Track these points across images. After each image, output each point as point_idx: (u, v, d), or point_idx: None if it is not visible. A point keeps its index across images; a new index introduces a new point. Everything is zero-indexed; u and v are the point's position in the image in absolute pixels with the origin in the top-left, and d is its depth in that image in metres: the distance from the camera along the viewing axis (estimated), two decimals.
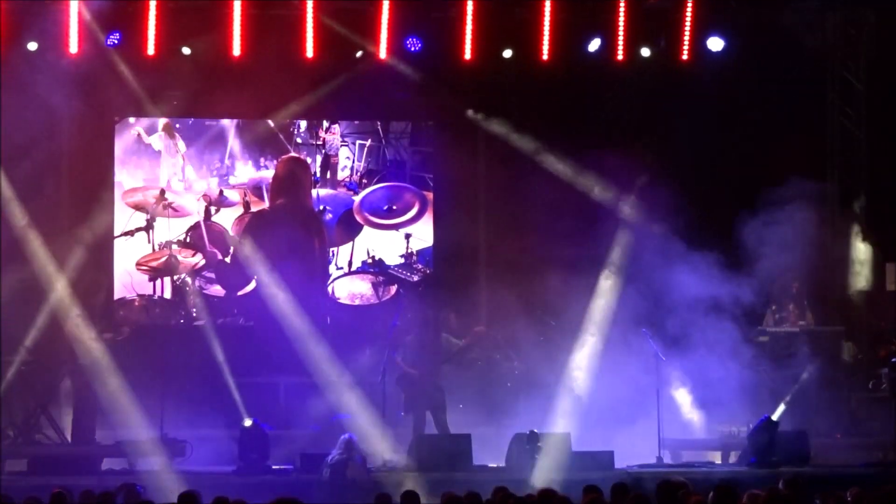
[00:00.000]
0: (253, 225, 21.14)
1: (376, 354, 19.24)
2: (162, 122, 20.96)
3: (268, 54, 19.68)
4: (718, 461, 18.56)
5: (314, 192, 21.39)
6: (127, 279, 20.91)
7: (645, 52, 20.36)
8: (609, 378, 18.97)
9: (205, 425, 18.69)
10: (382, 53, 19.91)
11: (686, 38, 20.35)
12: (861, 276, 21.24)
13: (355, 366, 19.83)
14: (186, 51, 19.62)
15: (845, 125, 21.50)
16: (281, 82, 19.97)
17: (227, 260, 21.19)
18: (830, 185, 21.32)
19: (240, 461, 17.43)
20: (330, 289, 21.38)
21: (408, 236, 21.57)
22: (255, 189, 21.37)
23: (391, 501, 12.31)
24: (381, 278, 21.51)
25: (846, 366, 20.27)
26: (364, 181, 21.62)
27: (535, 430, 16.96)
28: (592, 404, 18.76)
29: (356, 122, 21.68)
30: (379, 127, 21.65)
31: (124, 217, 20.95)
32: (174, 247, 20.97)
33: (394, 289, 21.48)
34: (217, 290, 21.20)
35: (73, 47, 19.16)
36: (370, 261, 21.52)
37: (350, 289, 21.54)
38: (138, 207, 20.98)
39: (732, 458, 18.46)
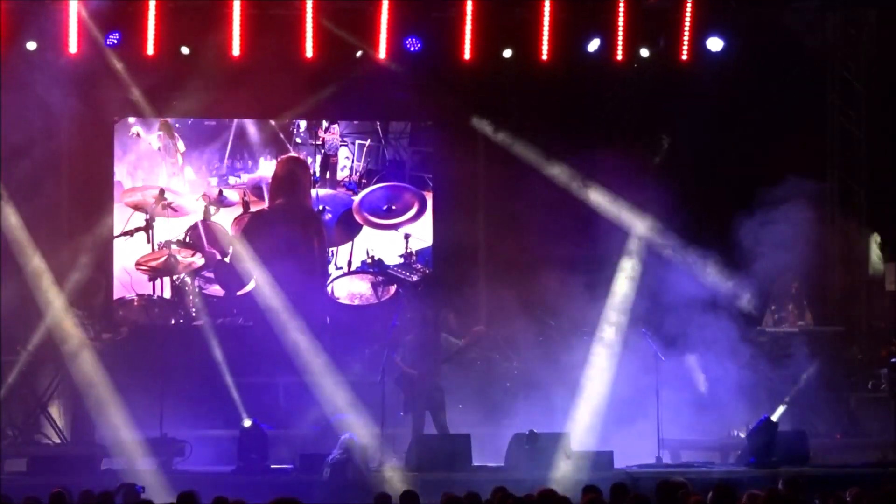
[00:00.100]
0: (252, 225, 21.14)
1: (375, 354, 19.24)
2: (161, 121, 20.94)
3: (267, 54, 19.67)
4: (718, 461, 18.54)
5: (313, 192, 21.39)
6: (126, 279, 20.90)
7: (644, 52, 20.36)
8: (608, 377, 18.96)
9: (204, 425, 18.68)
10: (382, 53, 19.91)
11: (686, 38, 20.35)
12: (860, 277, 21.23)
13: (354, 366, 19.83)
14: (185, 51, 19.61)
15: (845, 125, 21.50)
16: (280, 82, 19.95)
17: (227, 260, 21.18)
18: (830, 185, 21.32)
19: (239, 461, 17.43)
20: (329, 289, 21.38)
21: (407, 236, 21.57)
22: (255, 189, 21.36)
23: (390, 501, 12.31)
24: (380, 278, 21.51)
25: (846, 366, 20.26)
26: (363, 181, 21.62)
27: (535, 430, 16.94)
28: (591, 405, 18.75)
29: (355, 122, 21.68)
30: (378, 127, 21.65)
31: (124, 217, 20.94)
32: (173, 247, 20.96)
33: (393, 289, 21.48)
34: (216, 289, 21.20)
35: (73, 47, 19.15)
36: (369, 261, 21.51)
37: (349, 289, 21.54)
38: (137, 207, 20.97)
39: (732, 459, 18.45)
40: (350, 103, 21.12)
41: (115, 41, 19.40)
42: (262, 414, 18.30)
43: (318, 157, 21.51)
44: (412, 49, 19.93)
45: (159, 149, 21.07)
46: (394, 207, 21.62)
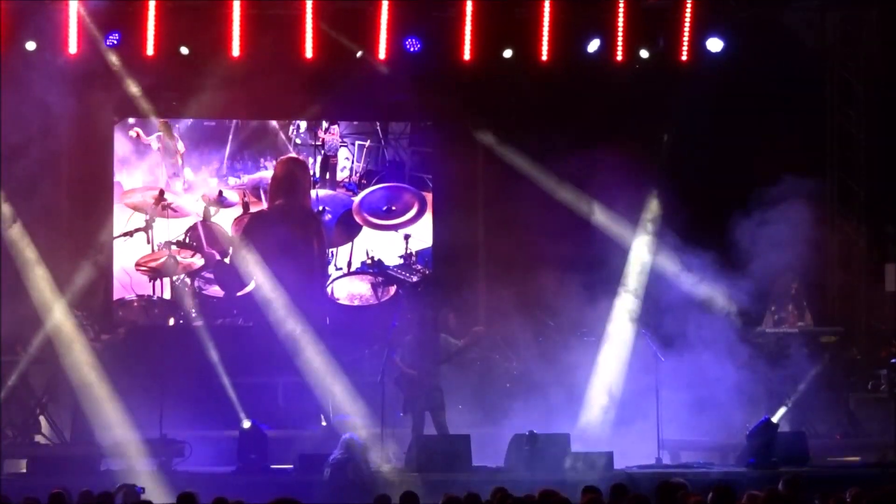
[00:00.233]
0: (252, 225, 21.14)
1: (375, 355, 19.23)
2: (161, 122, 20.93)
3: (267, 55, 19.67)
4: (717, 462, 18.53)
5: (313, 193, 21.39)
6: (126, 280, 20.90)
7: (644, 53, 20.35)
8: (608, 378, 18.96)
9: (204, 426, 18.67)
10: (382, 54, 19.91)
11: (685, 38, 20.35)
12: (860, 277, 21.23)
13: (354, 366, 19.83)
14: (185, 51, 19.61)
15: (844, 125, 21.50)
16: (280, 83, 19.94)
17: (226, 261, 21.18)
18: (829, 185, 21.32)
19: (239, 462, 17.42)
20: (329, 289, 21.38)
21: (407, 237, 21.57)
22: (255, 190, 21.36)
23: (390, 502, 12.31)
24: (380, 279, 21.51)
25: (845, 367, 20.25)
26: (363, 182, 21.62)
27: (534, 431, 16.94)
28: (591, 405, 18.75)
29: (355, 123, 21.68)
30: (378, 127, 21.65)
31: (123, 218, 20.94)
32: (173, 247, 20.96)
33: (393, 289, 21.48)
34: (216, 290, 21.20)
35: (73, 48, 19.15)
36: (369, 261, 21.51)
37: (349, 289, 21.54)
38: (137, 208, 20.97)
39: (731, 459, 18.44)
40: (350, 104, 21.13)
41: (115, 42, 19.39)
42: (261, 414, 18.29)
43: (318, 158, 21.51)
44: (412, 49, 19.93)
45: (159, 149, 21.07)
46: (393, 208, 21.62)
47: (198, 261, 21.08)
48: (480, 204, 21.46)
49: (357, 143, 21.63)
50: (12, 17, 18.89)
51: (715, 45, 20.35)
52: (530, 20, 20.07)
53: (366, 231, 21.60)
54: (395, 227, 21.60)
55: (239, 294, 21.14)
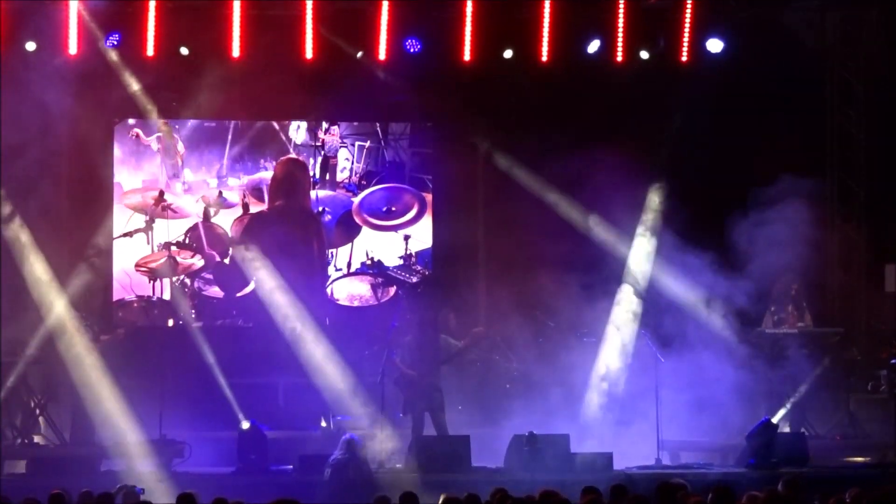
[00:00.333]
0: (252, 226, 21.13)
1: (375, 355, 19.22)
2: (161, 123, 20.93)
3: (267, 55, 19.67)
4: (717, 463, 18.52)
5: (313, 194, 21.39)
6: (126, 280, 20.90)
7: (644, 54, 20.34)
8: (608, 379, 18.95)
9: (204, 426, 18.67)
10: (382, 55, 19.91)
11: (685, 38, 20.34)
12: (860, 278, 21.22)
13: (354, 367, 19.83)
14: (185, 51, 19.60)
15: (844, 125, 21.49)
16: (280, 83, 19.94)
17: (226, 261, 21.18)
18: (829, 186, 21.31)
19: (239, 462, 17.42)
20: (329, 290, 21.38)
21: (407, 238, 21.56)
22: (255, 190, 21.36)
23: (390, 502, 12.31)
24: (379, 279, 21.51)
25: (845, 367, 20.25)
26: (363, 182, 21.62)
27: (534, 432, 16.93)
28: (591, 406, 18.74)
29: (355, 124, 21.67)
30: (378, 128, 21.65)
31: (123, 218, 20.94)
32: (173, 248, 20.96)
33: (393, 290, 21.47)
34: (216, 291, 21.20)
35: (73, 48, 19.15)
36: (369, 262, 21.51)
37: (349, 290, 21.53)
38: (137, 209, 20.97)
39: (731, 460, 18.43)
40: (350, 104, 21.12)
41: (115, 42, 19.39)
42: (261, 415, 18.28)
43: (318, 159, 21.50)
44: (412, 50, 19.93)
45: (159, 150, 21.07)
46: (393, 209, 21.62)
47: (198, 261, 21.08)
48: (480, 204, 21.46)
49: (357, 143, 21.63)
50: (12, 17, 18.89)
51: (715, 45, 20.35)
52: (530, 21, 20.07)
53: (366, 232, 21.60)
54: (394, 228, 21.60)
55: (238, 295, 21.13)
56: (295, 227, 21.08)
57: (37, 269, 19.52)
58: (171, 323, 20.81)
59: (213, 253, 21.10)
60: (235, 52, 19.48)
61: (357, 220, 21.56)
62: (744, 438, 18.04)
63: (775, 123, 20.59)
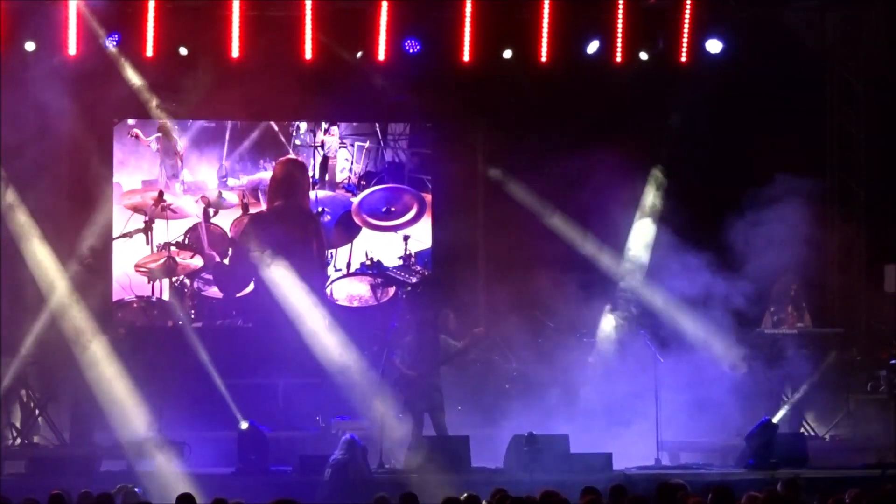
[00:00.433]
0: (251, 227, 21.12)
1: (375, 356, 19.22)
2: (160, 123, 20.93)
3: (266, 56, 19.66)
4: (717, 463, 18.52)
5: (312, 194, 21.38)
6: (125, 281, 20.89)
7: (644, 55, 20.33)
8: (607, 379, 18.95)
9: (203, 427, 18.66)
10: (381, 55, 19.90)
11: (685, 39, 20.34)
12: (860, 278, 21.21)
13: (353, 367, 19.82)
14: (184, 52, 19.60)
15: (844, 125, 21.48)
16: (279, 84, 19.93)
17: (226, 262, 21.18)
18: (829, 186, 21.30)
19: (239, 462, 17.41)
20: (328, 290, 21.37)
21: (406, 238, 21.56)
22: (254, 191, 21.35)
23: (390, 503, 12.31)
24: (379, 280, 21.50)
25: (845, 368, 20.24)
26: (362, 183, 21.62)
27: (533, 432, 16.93)
28: (591, 406, 18.74)
29: (354, 124, 21.66)
30: (377, 129, 21.64)
31: (123, 219, 20.94)
32: (172, 248, 20.95)
33: (392, 290, 21.47)
34: (215, 291, 21.20)
35: (72, 48, 19.14)
36: (368, 262, 21.50)
37: (348, 290, 21.53)
38: (137, 209, 20.97)
39: (731, 461, 18.43)
40: (349, 105, 21.11)
41: (115, 43, 19.38)
42: (261, 415, 18.28)
43: (318, 159, 21.50)
44: (411, 50, 19.92)
45: (158, 150, 21.06)
46: (393, 209, 21.62)
47: (197, 262, 21.07)
48: (480, 205, 21.45)
49: (356, 144, 21.63)
50: (12, 17, 18.88)
51: (714, 46, 20.34)
52: (530, 21, 20.06)
53: (365, 232, 21.59)
54: (394, 229, 21.60)
55: (238, 295, 21.13)
56: (294, 228, 21.07)
57: (37, 268, 19.53)
58: (170, 323, 20.80)
59: (213, 253, 21.10)
60: (235, 52, 19.48)
61: (356, 220, 21.56)
62: (743, 439, 18.05)
63: (775, 123, 20.58)
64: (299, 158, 21.39)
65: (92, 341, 19.10)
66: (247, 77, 19.91)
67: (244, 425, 17.59)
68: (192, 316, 20.79)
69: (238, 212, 21.31)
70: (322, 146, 21.50)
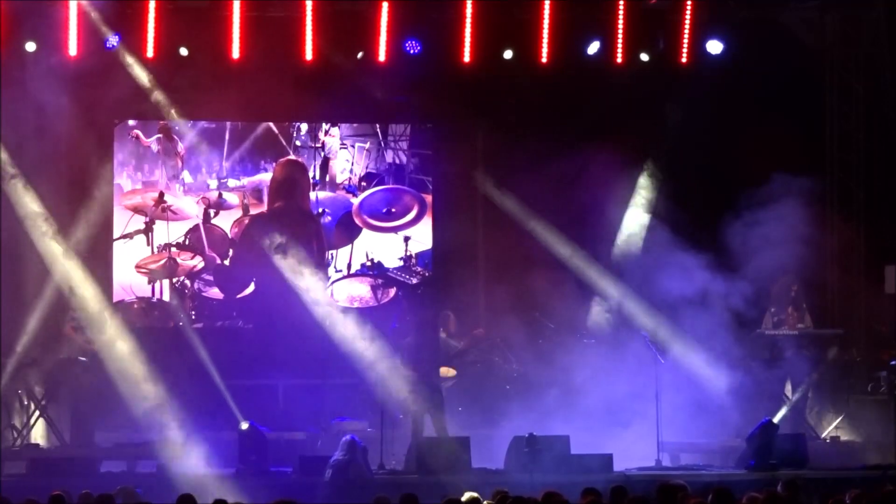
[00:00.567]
0: (251, 227, 21.12)
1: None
2: (161, 124, 20.94)
3: (267, 56, 19.67)
4: (717, 464, 18.52)
5: (313, 195, 21.38)
6: (126, 282, 20.89)
7: (644, 56, 20.33)
8: (607, 380, 18.95)
9: (204, 427, 18.65)
10: (382, 56, 19.90)
11: (685, 40, 20.34)
12: (860, 279, 21.21)
13: (354, 368, 19.82)
14: (184, 52, 19.60)
15: (844, 126, 21.48)
16: (280, 84, 19.93)
17: (226, 262, 21.18)
18: (829, 186, 21.30)
19: (239, 463, 17.40)
20: (329, 291, 21.37)
21: (407, 239, 21.57)
22: (255, 192, 21.36)
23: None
24: (379, 281, 21.50)
25: (845, 368, 20.25)
26: (363, 184, 21.63)
27: (534, 433, 16.93)
28: (590, 406, 18.74)
29: (355, 125, 21.66)
30: (378, 130, 21.65)
31: (123, 220, 20.94)
32: (173, 249, 20.96)
33: (393, 291, 21.47)
34: (216, 292, 21.20)
35: (73, 49, 19.14)
36: (369, 263, 21.50)
37: (349, 291, 21.53)
38: (137, 210, 20.98)
39: (731, 461, 18.43)
40: (350, 106, 21.12)
41: (115, 44, 19.38)
42: (261, 416, 18.28)
43: (318, 160, 21.51)
44: (412, 51, 19.93)
45: (159, 152, 21.07)
46: (393, 210, 21.62)
47: (198, 263, 21.08)
48: (480, 206, 21.44)
49: (357, 145, 21.63)
50: (12, 17, 18.88)
51: (714, 46, 20.35)
52: (530, 22, 20.07)
53: (365, 233, 21.60)
54: (394, 230, 21.60)
55: (238, 296, 21.13)
56: (294, 229, 21.05)
57: (36, 268, 19.55)
58: (171, 324, 20.79)
59: (213, 254, 21.11)
60: (235, 53, 19.48)
61: (357, 221, 21.56)
62: (744, 440, 18.05)
63: (775, 124, 20.55)
64: (299, 159, 21.40)
65: (91, 342, 19.11)
66: (247, 78, 19.90)
67: (244, 426, 17.59)
68: (193, 317, 20.79)
69: (238, 213, 21.32)
70: (323, 147, 21.51)
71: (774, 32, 20.67)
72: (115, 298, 20.78)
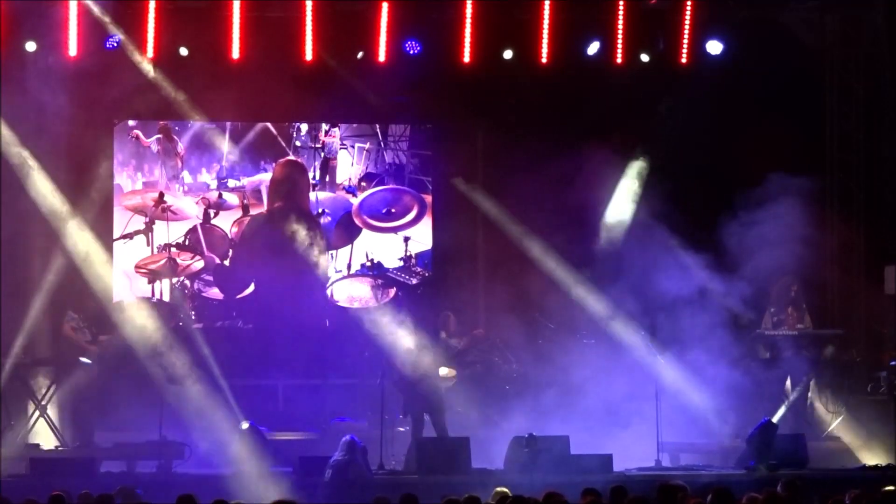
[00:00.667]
0: (251, 228, 21.13)
1: (375, 357, 19.22)
2: (161, 125, 20.94)
3: (267, 57, 19.67)
4: (717, 464, 18.52)
5: (313, 195, 21.38)
6: (126, 282, 20.89)
7: (644, 56, 20.33)
8: (607, 380, 18.95)
9: (204, 428, 18.65)
10: (382, 56, 19.90)
11: (685, 40, 20.34)
12: (859, 279, 21.22)
13: (353, 369, 19.83)
14: (184, 52, 19.60)
15: (844, 126, 21.48)
16: (280, 85, 19.94)
17: (226, 263, 21.18)
18: (828, 186, 21.30)
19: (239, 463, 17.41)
20: (329, 291, 21.37)
21: (406, 239, 21.57)
22: (255, 192, 21.36)
23: None
24: (379, 281, 21.50)
25: (844, 369, 20.25)
26: (363, 184, 21.63)
27: (534, 434, 16.93)
28: (590, 407, 18.74)
29: (355, 126, 21.66)
30: (378, 130, 21.65)
31: (123, 220, 20.94)
32: (173, 250, 20.96)
33: (393, 291, 21.47)
34: (215, 292, 21.20)
35: (73, 49, 19.14)
36: (368, 264, 21.51)
37: (349, 291, 21.53)
38: (137, 210, 20.98)
39: (731, 462, 18.43)
40: (350, 106, 21.11)
41: (115, 44, 19.39)
42: (261, 416, 18.28)
43: (318, 160, 21.51)
44: (412, 52, 19.93)
45: (158, 152, 21.07)
46: (393, 210, 21.62)
47: (197, 263, 21.08)
48: (480, 206, 21.43)
49: (357, 145, 21.63)
50: (12, 17, 18.88)
51: (715, 47, 20.35)
52: (530, 22, 20.07)
53: (365, 233, 21.60)
54: (394, 230, 21.60)
55: (238, 296, 21.13)
56: (294, 229, 21.04)
57: (36, 268, 19.57)
58: (170, 324, 20.77)
59: (213, 255, 21.11)
60: (235, 53, 19.48)
61: (357, 221, 21.57)
62: (743, 440, 18.05)
63: (775, 124, 20.56)
64: (299, 160, 21.40)
65: (90, 343, 19.11)
66: (247, 78, 19.90)
67: (245, 425, 17.59)
68: (193, 317, 20.78)
69: (238, 213, 21.33)
70: (323, 147, 21.51)
71: (774, 32, 20.67)
72: (116, 298, 20.78)
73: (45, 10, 19.13)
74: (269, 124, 21.34)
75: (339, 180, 21.59)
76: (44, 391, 19.09)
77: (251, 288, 21.02)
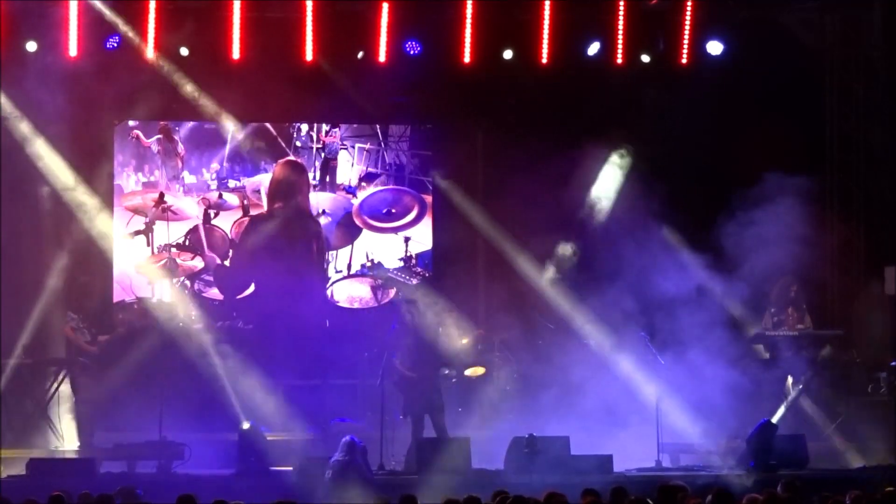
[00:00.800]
0: (251, 228, 21.14)
1: (375, 357, 19.21)
2: (161, 125, 20.94)
3: (267, 57, 19.68)
4: (717, 465, 18.52)
5: (313, 196, 21.39)
6: (126, 282, 20.90)
7: (645, 57, 20.33)
8: (606, 381, 18.95)
9: (204, 428, 18.66)
10: (382, 56, 19.90)
11: (685, 40, 20.35)
12: (859, 280, 21.21)
13: (354, 369, 19.83)
14: (184, 52, 19.60)
15: (844, 126, 21.49)
16: (280, 85, 19.95)
17: (226, 263, 21.19)
18: (828, 186, 21.31)
19: (239, 464, 17.41)
20: (329, 292, 21.38)
21: (407, 239, 21.57)
22: (255, 192, 21.37)
23: None
24: (379, 281, 21.50)
25: (844, 369, 20.25)
26: (363, 184, 21.63)
27: (534, 434, 16.93)
28: (590, 407, 18.74)
29: (355, 126, 21.67)
30: (378, 130, 21.65)
31: (123, 220, 20.95)
32: (173, 250, 20.97)
33: (392, 292, 21.47)
34: (215, 293, 21.21)
35: (73, 49, 19.14)
36: (369, 264, 21.51)
37: (349, 292, 21.54)
38: (137, 211, 20.99)
39: (731, 462, 18.43)
40: (350, 106, 21.12)
41: (115, 44, 19.40)
42: (261, 417, 18.28)
43: (319, 161, 21.51)
44: (412, 52, 19.95)
45: (159, 152, 21.08)
46: (393, 211, 21.63)
47: (198, 263, 21.09)
48: (480, 206, 21.43)
49: (357, 145, 21.64)
50: (12, 17, 18.90)
51: (715, 47, 20.36)
52: (530, 22, 20.08)
53: (366, 234, 21.60)
54: (394, 230, 21.61)
55: (238, 297, 21.14)
56: (294, 230, 21.06)
57: (36, 269, 19.56)
58: (171, 325, 20.77)
59: (213, 255, 21.11)
60: (235, 53, 19.50)
61: (357, 222, 21.57)
62: (743, 441, 18.04)
63: (774, 124, 20.56)
64: (299, 160, 21.40)
65: (90, 343, 19.11)
66: (247, 78, 19.92)
67: (246, 425, 17.59)
68: (193, 317, 20.77)
69: (238, 213, 21.33)
70: (323, 148, 21.51)
71: (774, 33, 20.68)
72: (116, 299, 20.80)
73: (45, 10, 19.15)
74: (269, 124, 21.33)
75: (339, 181, 21.59)
76: (45, 391, 19.08)
77: (251, 288, 21.03)
